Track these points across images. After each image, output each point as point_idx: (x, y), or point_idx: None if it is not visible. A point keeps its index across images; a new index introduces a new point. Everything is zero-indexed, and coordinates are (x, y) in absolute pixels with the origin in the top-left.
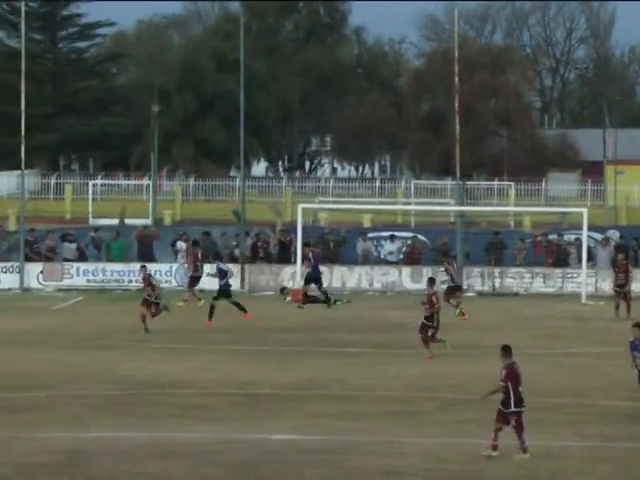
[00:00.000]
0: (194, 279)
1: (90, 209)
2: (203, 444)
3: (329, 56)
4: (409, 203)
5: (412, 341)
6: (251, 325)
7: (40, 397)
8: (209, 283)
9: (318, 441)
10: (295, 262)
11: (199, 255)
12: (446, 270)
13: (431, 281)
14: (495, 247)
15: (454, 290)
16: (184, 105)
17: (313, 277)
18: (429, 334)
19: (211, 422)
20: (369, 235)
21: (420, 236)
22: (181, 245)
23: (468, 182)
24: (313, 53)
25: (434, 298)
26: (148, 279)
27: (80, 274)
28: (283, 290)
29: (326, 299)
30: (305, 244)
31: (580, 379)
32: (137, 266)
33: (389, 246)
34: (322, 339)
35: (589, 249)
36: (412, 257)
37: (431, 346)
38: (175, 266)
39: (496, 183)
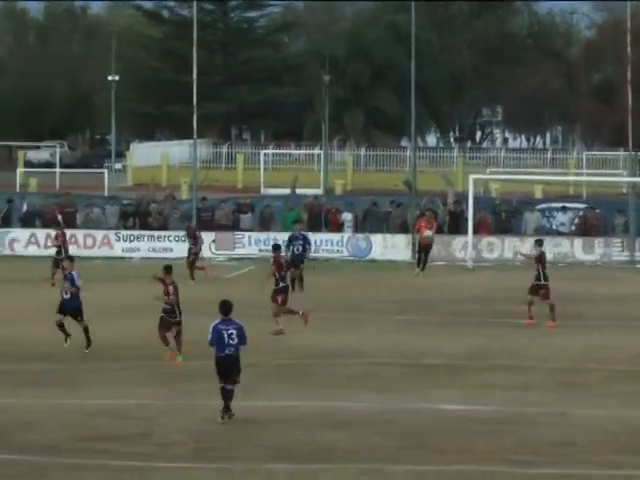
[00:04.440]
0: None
1: (262, 178)
2: (373, 414)
3: (500, 27)
4: (581, 174)
5: (581, 312)
6: (421, 296)
7: (211, 365)
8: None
9: (489, 411)
10: (466, 232)
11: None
12: None
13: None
14: None
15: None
16: (356, 75)
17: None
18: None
19: (381, 392)
20: (540, 206)
21: (593, 207)
22: (346, 216)
23: None
24: (484, 24)
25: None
26: (194, 233)
27: (252, 243)
28: None
29: None
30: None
31: None
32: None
33: (561, 217)
34: (493, 310)
35: None
36: (584, 228)
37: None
38: (346, 236)
39: None
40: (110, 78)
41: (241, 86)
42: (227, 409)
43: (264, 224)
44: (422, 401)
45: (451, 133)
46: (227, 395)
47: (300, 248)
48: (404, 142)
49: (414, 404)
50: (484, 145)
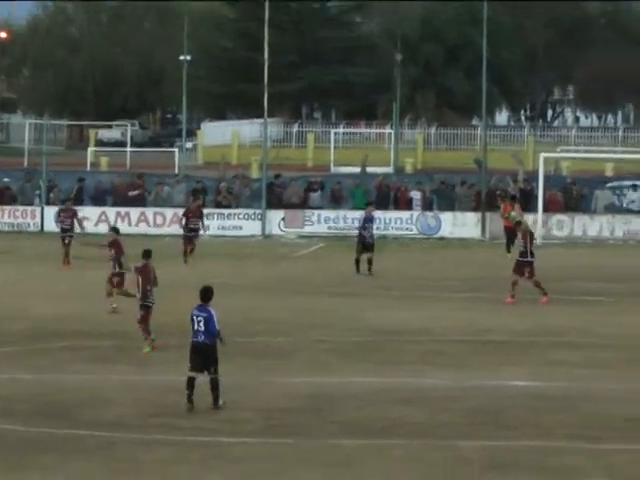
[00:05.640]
0: None
1: (332, 157)
2: (441, 390)
3: (573, 6)
4: None
5: None
6: (490, 273)
7: (281, 342)
8: None
9: (557, 388)
10: (536, 210)
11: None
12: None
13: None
14: None
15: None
16: (428, 55)
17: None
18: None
19: (449, 369)
20: (611, 184)
21: None
22: (415, 194)
23: None
24: (557, 3)
25: None
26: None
27: (321, 221)
28: None
29: None
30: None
31: None
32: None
33: (632, 195)
34: (561, 287)
35: None
36: None
37: None
38: (415, 214)
39: None
40: (182, 57)
41: (313, 65)
42: (189, 398)
43: (334, 202)
44: (491, 378)
45: (522, 112)
46: (189, 384)
47: (372, 230)
48: (475, 121)
49: (483, 381)
50: (555, 124)
